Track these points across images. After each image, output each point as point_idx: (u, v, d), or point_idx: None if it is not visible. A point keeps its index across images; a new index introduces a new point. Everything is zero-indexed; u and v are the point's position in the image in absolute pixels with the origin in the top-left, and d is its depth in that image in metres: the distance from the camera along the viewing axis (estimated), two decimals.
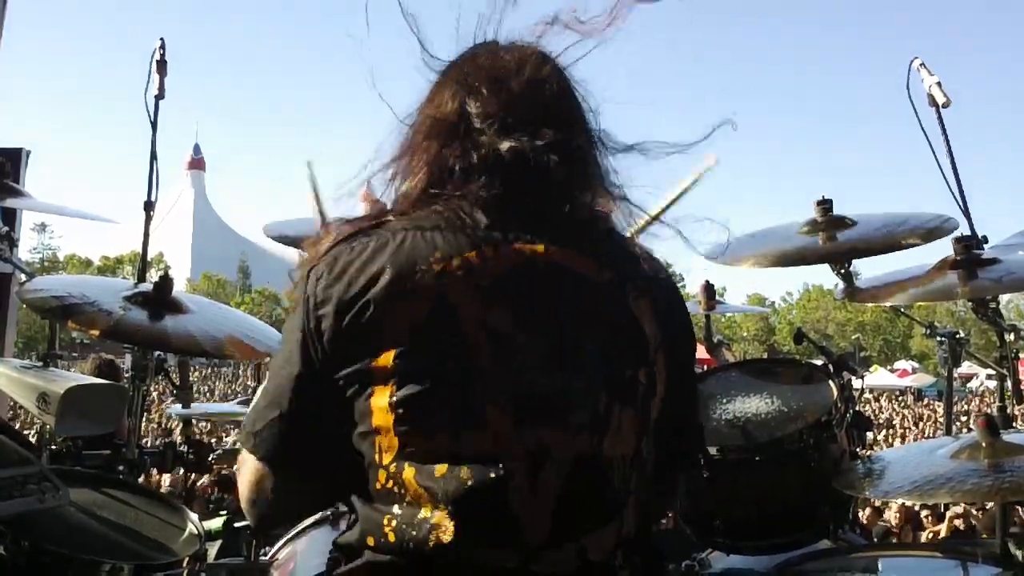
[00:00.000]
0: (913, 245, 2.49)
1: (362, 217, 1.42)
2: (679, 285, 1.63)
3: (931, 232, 2.52)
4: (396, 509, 1.27)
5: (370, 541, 1.29)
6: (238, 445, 1.45)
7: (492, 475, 1.24)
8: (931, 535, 7.75)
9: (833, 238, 2.64)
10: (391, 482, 1.28)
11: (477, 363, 1.26)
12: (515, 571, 1.25)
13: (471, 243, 1.31)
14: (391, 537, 1.27)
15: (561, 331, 1.30)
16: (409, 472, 1.26)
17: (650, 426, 1.36)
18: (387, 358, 1.27)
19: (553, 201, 1.37)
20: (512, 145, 1.36)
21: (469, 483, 1.24)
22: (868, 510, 8.61)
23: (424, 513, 1.25)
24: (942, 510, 7.82)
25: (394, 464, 1.27)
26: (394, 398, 1.26)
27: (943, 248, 2.47)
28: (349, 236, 1.36)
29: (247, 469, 1.40)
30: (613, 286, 1.34)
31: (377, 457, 1.29)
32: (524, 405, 1.26)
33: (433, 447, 1.26)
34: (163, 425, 16.17)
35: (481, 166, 1.37)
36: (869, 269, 2.88)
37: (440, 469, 1.25)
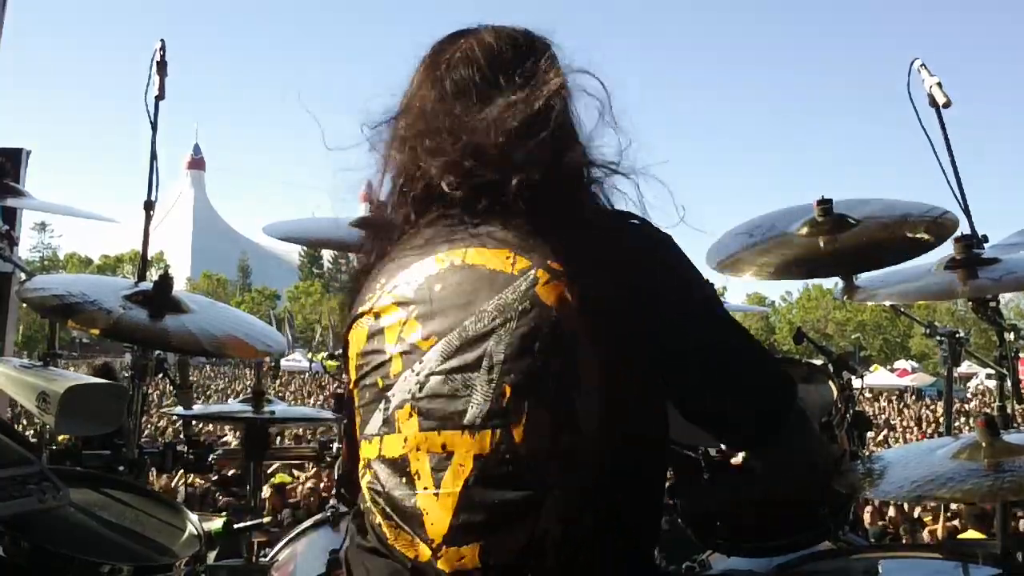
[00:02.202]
0: (921, 241, 2.47)
1: (371, 252, 1.54)
2: None
3: (936, 224, 2.50)
4: (364, 506, 1.44)
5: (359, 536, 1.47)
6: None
7: (403, 479, 1.34)
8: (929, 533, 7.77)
9: (835, 241, 2.62)
10: (362, 484, 1.44)
11: (391, 373, 1.37)
12: (423, 568, 1.32)
13: (407, 260, 1.43)
14: (378, 530, 1.41)
15: (465, 332, 1.32)
16: (367, 475, 1.41)
17: (580, 418, 1.28)
18: (353, 372, 1.45)
19: (497, 199, 1.39)
20: (452, 150, 1.42)
21: (387, 486, 1.36)
22: (869, 509, 8.62)
23: (370, 517, 1.41)
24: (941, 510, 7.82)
25: (362, 467, 1.43)
26: (355, 409, 1.44)
27: (943, 247, 2.47)
28: (363, 269, 1.53)
29: None
30: (525, 276, 1.31)
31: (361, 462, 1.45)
32: (427, 408, 1.33)
33: (372, 452, 1.39)
34: (165, 426, 16.15)
35: (421, 170, 1.45)
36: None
37: (373, 472, 1.39)
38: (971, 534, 6.75)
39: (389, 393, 1.36)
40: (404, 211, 1.48)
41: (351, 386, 1.46)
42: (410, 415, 1.33)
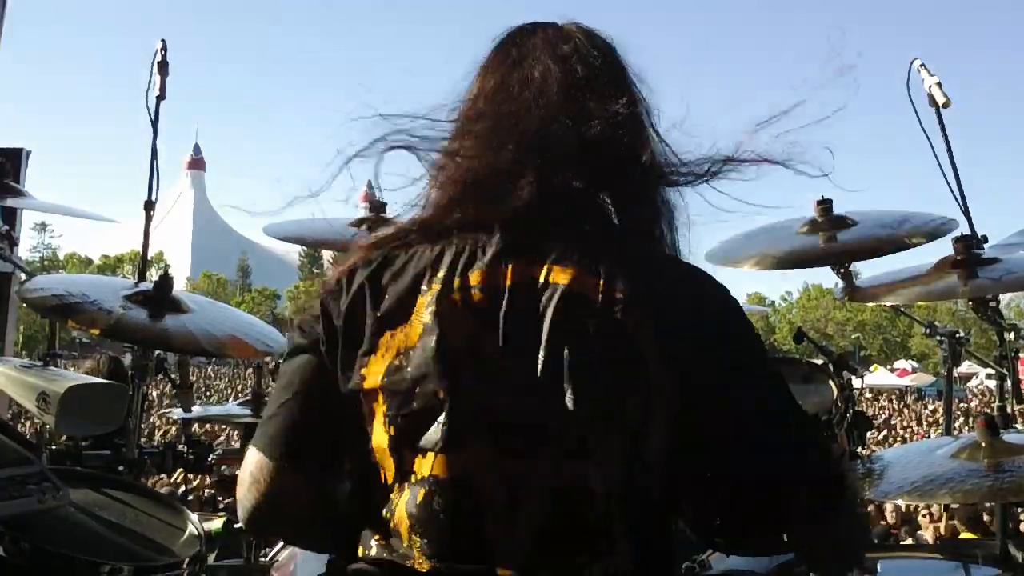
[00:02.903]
0: (917, 244, 2.48)
1: (387, 233, 1.39)
2: None
3: (934, 231, 2.52)
4: (381, 536, 1.28)
5: (360, 551, 1.30)
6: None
7: (469, 502, 1.23)
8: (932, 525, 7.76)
9: (833, 239, 2.64)
10: (387, 511, 1.28)
11: (460, 385, 1.24)
12: None
13: (476, 262, 1.29)
14: (374, 550, 1.28)
15: (549, 355, 1.23)
16: (403, 496, 1.26)
17: (646, 456, 1.26)
18: (376, 378, 1.28)
19: (573, 212, 1.32)
20: (528, 154, 1.32)
21: (443, 511, 1.23)
22: (871, 507, 8.60)
23: (405, 541, 1.25)
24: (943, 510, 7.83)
25: (396, 485, 1.28)
26: (387, 417, 1.27)
27: (943, 248, 2.48)
28: (368, 252, 1.37)
29: (246, 460, 1.39)
30: (615, 307, 1.24)
31: (383, 477, 1.30)
32: (504, 431, 1.23)
33: (423, 468, 1.25)
34: (167, 428, 16.13)
35: (500, 173, 1.33)
36: (869, 269, 2.89)
37: (420, 493, 1.25)
38: (965, 536, 6.74)
39: (456, 404, 1.24)
40: (462, 212, 1.34)
41: (367, 377, 1.29)
42: (481, 435, 1.23)
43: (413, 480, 1.26)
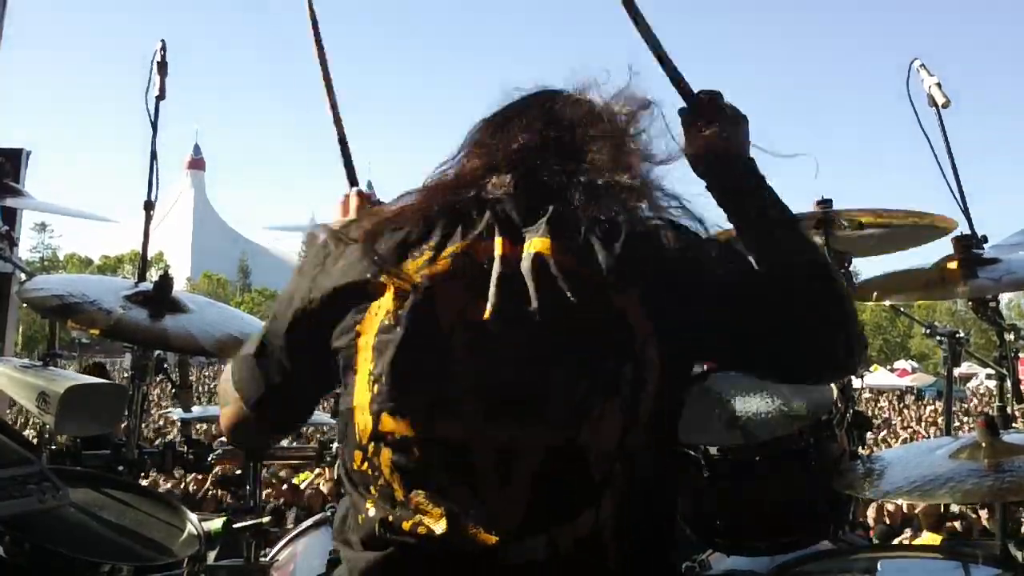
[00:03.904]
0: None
1: (386, 215, 1.46)
2: None
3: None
4: (373, 491, 1.33)
5: (360, 519, 1.34)
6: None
7: (461, 466, 1.28)
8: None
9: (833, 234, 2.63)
10: (366, 464, 1.33)
11: (452, 353, 1.30)
12: (487, 556, 1.27)
13: (465, 235, 1.36)
14: (372, 511, 1.33)
15: (540, 325, 1.29)
16: (385, 454, 1.31)
17: (641, 417, 1.32)
18: (369, 336, 1.33)
19: (554, 190, 1.39)
20: (521, 142, 1.44)
21: (441, 470, 1.29)
22: (874, 507, 8.58)
23: (399, 496, 1.30)
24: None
25: (371, 444, 1.32)
26: (371, 376, 1.32)
27: (943, 248, 2.48)
28: (370, 229, 1.43)
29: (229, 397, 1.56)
30: (596, 279, 1.31)
31: (356, 436, 1.34)
32: (496, 398, 1.29)
33: (406, 429, 1.30)
34: (161, 428, 16.10)
35: (496, 160, 1.44)
36: (869, 268, 2.89)
37: (414, 454, 1.30)
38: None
39: (444, 368, 1.30)
40: (453, 197, 1.43)
41: (362, 334, 1.35)
42: (473, 401, 1.29)
43: (390, 440, 1.30)
